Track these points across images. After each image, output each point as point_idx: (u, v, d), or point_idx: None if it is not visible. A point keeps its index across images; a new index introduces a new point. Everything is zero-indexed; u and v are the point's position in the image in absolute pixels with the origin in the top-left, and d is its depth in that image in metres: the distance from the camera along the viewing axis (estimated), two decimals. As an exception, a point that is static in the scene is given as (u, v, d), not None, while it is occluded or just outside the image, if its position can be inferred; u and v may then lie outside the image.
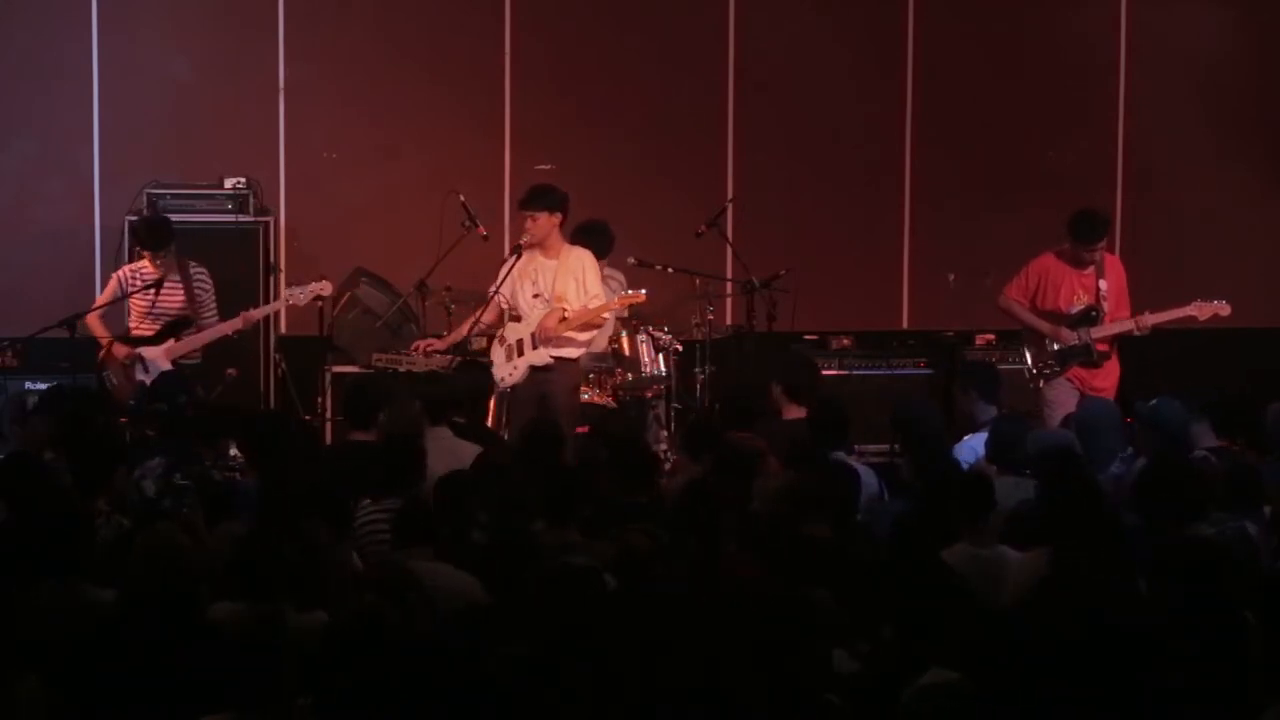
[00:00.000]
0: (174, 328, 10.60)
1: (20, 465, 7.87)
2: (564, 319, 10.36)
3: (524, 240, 10.53)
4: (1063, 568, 6.53)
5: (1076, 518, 6.92)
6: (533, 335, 10.42)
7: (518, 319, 10.50)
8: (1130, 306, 10.79)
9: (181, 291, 10.68)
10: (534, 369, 10.41)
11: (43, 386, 10.70)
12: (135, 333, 10.68)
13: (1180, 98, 13.27)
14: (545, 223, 10.44)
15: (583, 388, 10.87)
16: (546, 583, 6.15)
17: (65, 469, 7.91)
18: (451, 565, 6.85)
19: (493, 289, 10.52)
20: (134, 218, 11.45)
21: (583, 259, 10.54)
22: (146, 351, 10.54)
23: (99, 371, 10.60)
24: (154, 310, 10.65)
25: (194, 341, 10.67)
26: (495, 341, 10.58)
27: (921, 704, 5.39)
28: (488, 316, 10.62)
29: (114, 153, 12.26)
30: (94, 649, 5.95)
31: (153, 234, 10.72)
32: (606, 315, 10.66)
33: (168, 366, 10.45)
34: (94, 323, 10.72)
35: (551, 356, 10.40)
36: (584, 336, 10.54)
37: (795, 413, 9.42)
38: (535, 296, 10.46)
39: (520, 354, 10.44)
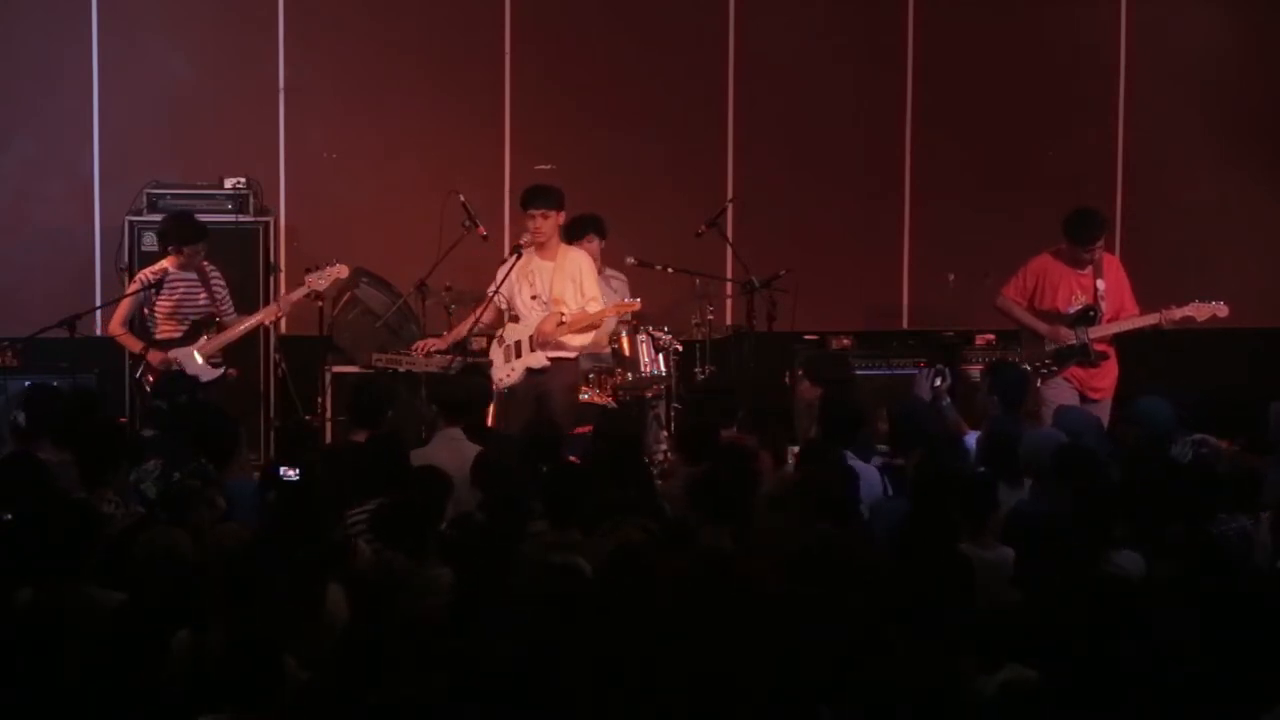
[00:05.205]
0: (201, 327, 10.63)
1: (20, 465, 7.87)
2: (562, 323, 10.39)
3: (524, 240, 10.57)
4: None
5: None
6: (530, 338, 10.44)
7: (516, 319, 10.52)
8: (1137, 303, 10.78)
9: (203, 290, 10.70)
10: (531, 371, 10.44)
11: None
12: (161, 336, 10.67)
13: (1180, 98, 13.27)
14: (554, 221, 10.47)
15: (583, 388, 10.89)
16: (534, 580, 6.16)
17: (67, 469, 7.91)
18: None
19: (492, 289, 10.54)
20: (135, 217, 11.46)
21: (580, 261, 10.57)
22: (179, 354, 10.55)
23: (139, 379, 10.61)
24: (178, 311, 10.66)
25: (224, 338, 10.70)
26: (494, 342, 10.62)
27: (1006, 701, 5.35)
28: (487, 316, 10.65)
29: (114, 153, 12.26)
30: (96, 649, 5.95)
31: (184, 229, 10.69)
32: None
33: (202, 364, 10.49)
34: (121, 334, 10.69)
35: (548, 358, 10.44)
36: (580, 340, 10.57)
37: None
38: (533, 298, 10.49)
39: (518, 355, 10.47)
